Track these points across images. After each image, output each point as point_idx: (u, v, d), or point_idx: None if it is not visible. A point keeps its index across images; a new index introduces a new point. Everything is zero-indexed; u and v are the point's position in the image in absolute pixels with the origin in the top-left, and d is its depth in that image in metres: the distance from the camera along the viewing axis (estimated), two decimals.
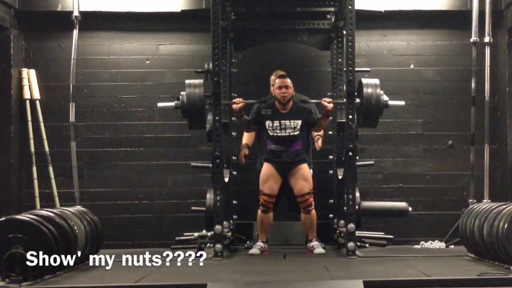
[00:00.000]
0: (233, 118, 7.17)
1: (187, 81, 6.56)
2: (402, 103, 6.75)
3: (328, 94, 7.49)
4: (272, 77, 7.05)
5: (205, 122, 6.62)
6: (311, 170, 6.78)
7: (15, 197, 7.63)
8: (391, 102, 6.50)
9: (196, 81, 6.52)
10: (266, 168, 6.59)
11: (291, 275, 5.13)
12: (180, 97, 6.50)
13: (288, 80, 6.54)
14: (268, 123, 6.53)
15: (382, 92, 6.43)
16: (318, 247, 6.55)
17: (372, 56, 7.97)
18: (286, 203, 7.08)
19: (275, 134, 6.53)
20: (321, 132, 7.14)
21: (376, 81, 6.47)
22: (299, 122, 6.53)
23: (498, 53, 7.82)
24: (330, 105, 6.45)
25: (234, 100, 6.54)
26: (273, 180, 6.53)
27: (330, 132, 7.35)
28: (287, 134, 6.52)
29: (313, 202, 6.55)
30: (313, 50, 7.81)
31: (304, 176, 6.54)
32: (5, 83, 7.61)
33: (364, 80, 6.49)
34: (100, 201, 7.75)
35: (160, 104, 6.85)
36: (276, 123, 6.51)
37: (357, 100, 6.43)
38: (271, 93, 6.93)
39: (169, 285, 4.69)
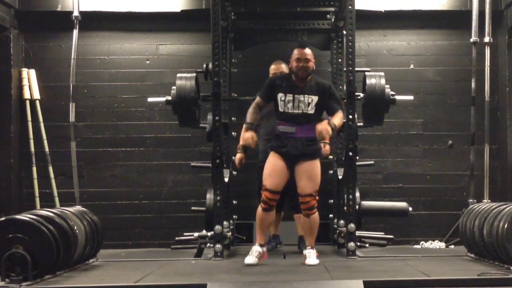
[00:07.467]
0: (233, 118, 7.18)
1: (178, 74, 6.37)
2: (411, 97, 6.57)
3: None
4: (272, 67, 6.92)
5: (195, 117, 6.25)
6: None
7: (15, 197, 7.63)
8: (398, 97, 6.28)
9: (188, 74, 6.31)
10: (272, 159, 5.79)
11: (291, 275, 5.13)
12: (172, 91, 6.33)
13: (309, 51, 5.84)
14: (280, 96, 5.74)
15: (387, 86, 6.26)
16: (311, 257, 5.71)
17: (372, 56, 7.98)
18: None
19: (286, 110, 5.74)
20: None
21: (381, 73, 6.30)
22: (315, 98, 5.73)
23: (498, 53, 7.83)
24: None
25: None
26: (278, 174, 5.73)
27: None
28: (300, 111, 5.72)
29: (315, 206, 5.81)
30: (313, 50, 7.78)
31: (310, 174, 5.74)
32: (5, 83, 7.61)
33: (368, 73, 6.35)
34: (100, 201, 7.75)
35: (150, 99, 6.61)
36: (289, 96, 5.72)
37: (361, 94, 6.33)
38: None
39: (169, 285, 4.69)
